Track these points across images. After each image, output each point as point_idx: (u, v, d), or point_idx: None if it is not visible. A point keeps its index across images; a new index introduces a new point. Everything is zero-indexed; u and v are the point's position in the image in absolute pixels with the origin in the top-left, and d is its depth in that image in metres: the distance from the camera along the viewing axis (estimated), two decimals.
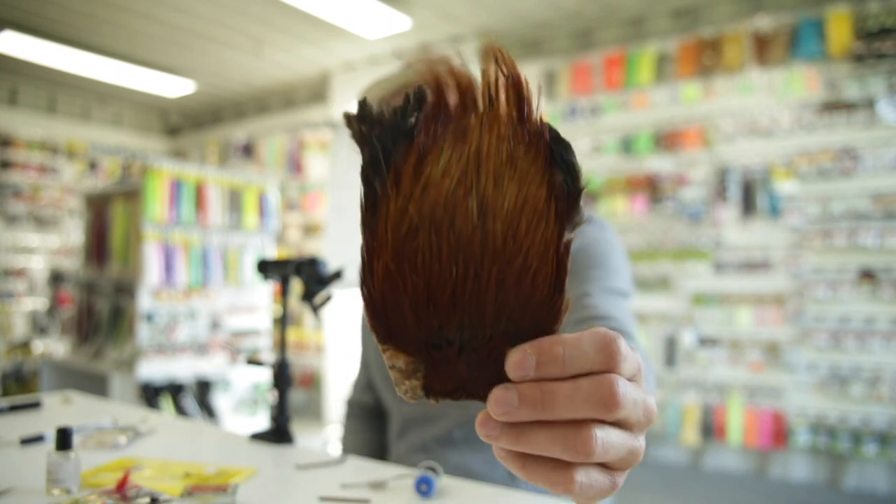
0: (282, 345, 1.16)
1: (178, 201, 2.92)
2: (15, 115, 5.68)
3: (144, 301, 2.80)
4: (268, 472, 0.92)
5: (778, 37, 3.51)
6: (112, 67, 5.04)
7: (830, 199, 3.36)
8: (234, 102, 6.31)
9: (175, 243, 2.91)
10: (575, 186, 0.27)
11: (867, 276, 3.25)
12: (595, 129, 4.11)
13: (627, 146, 3.99)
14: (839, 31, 3.33)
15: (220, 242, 3.12)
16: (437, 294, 0.27)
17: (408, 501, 0.80)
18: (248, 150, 6.15)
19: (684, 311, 3.78)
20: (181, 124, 6.98)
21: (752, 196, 3.59)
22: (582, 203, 0.27)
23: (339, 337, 4.62)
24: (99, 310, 3.06)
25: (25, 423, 1.18)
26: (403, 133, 0.27)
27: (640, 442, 0.29)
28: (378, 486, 0.85)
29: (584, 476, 0.27)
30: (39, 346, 4.18)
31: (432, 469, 0.83)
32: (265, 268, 1.18)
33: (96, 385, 2.72)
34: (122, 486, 0.74)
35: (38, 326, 4.85)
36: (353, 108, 0.27)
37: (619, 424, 0.28)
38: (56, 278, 4.54)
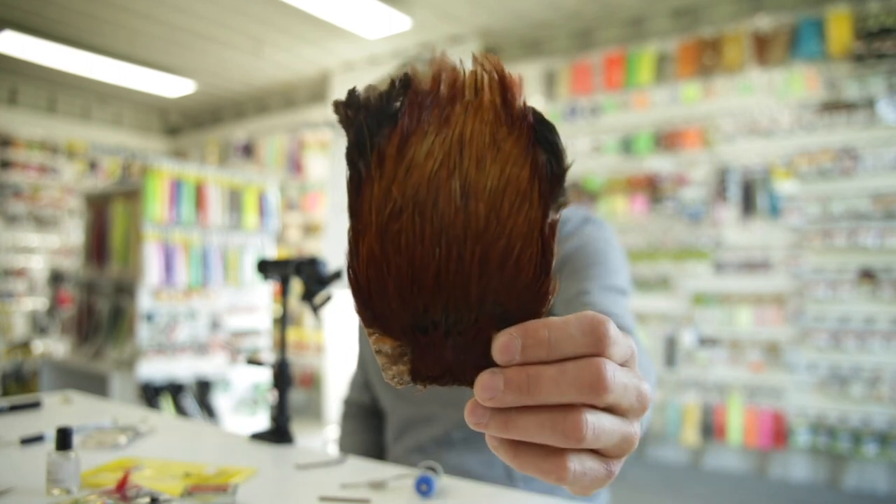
0: (282, 345, 1.16)
1: (178, 201, 2.92)
2: (15, 115, 5.69)
3: (144, 301, 2.80)
4: (268, 472, 0.92)
5: (778, 37, 3.51)
6: (112, 67, 5.04)
7: (830, 199, 3.36)
8: (234, 102, 6.31)
9: (175, 243, 2.92)
10: (559, 167, 0.27)
11: (867, 275, 3.25)
12: (595, 129, 4.11)
13: (627, 146, 3.99)
14: (839, 30, 3.33)
15: (220, 242, 3.12)
16: (421, 275, 0.27)
17: (408, 501, 0.79)
18: (248, 150, 6.15)
19: (684, 311, 3.78)
20: (181, 124, 6.98)
21: (752, 196, 3.59)
22: (567, 184, 0.27)
23: (338, 337, 4.63)
24: (99, 310, 3.07)
25: (25, 423, 1.18)
26: (388, 116, 0.27)
27: (634, 428, 0.28)
28: (378, 486, 0.85)
29: (577, 463, 0.27)
30: (39, 346, 4.18)
31: (432, 469, 0.83)
32: (265, 268, 1.18)
33: (96, 385, 2.73)
34: (122, 486, 0.74)
35: (39, 326, 4.85)
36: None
37: (611, 410, 0.27)
38: (56, 278, 4.54)
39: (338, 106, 0.27)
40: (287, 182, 5.60)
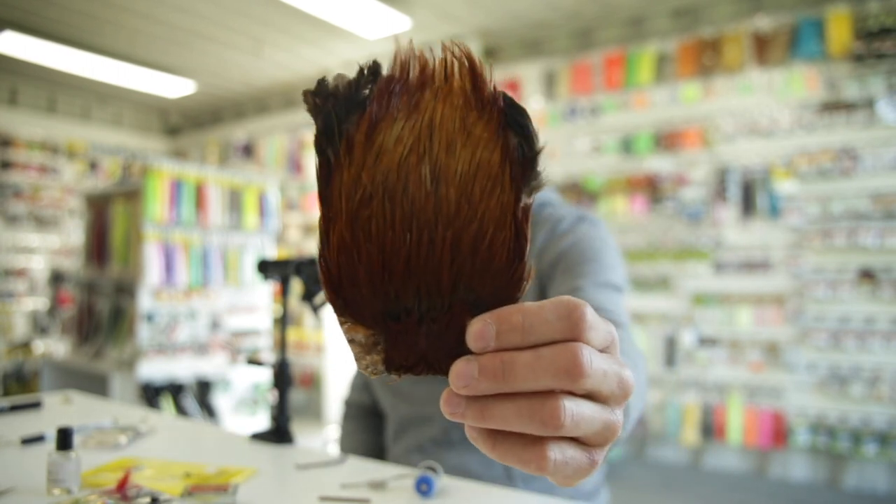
0: (282, 345, 1.16)
1: (179, 201, 2.92)
2: (15, 116, 5.69)
3: (145, 301, 2.81)
4: (268, 472, 0.92)
5: (778, 37, 3.52)
6: (112, 67, 5.05)
7: (830, 199, 3.37)
8: (235, 102, 6.32)
9: (175, 243, 2.92)
10: (530, 150, 0.27)
11: (867, 275, 3.26)
12: (595, 129, 4.11)
13: (627, 146, 3.99)
14: (839, 31, 3.33)
15: (221, 242, 3.13)
16: (392, 261, 0.26)
17: (408, 501, 0.80)
18: (248, 150, 6.16)
19: (684, 311, 3.78)
20: (181, 124, 6.98)
21: (751, 196, 3.59)
22: (539, 167, 0.27)
23: (338, 337, 4.63)
24: (99, 310, 3.07)
25: (26, 423, 1.18)
26: (356, 104, 0.27)
27: (615, 415, 0.28)
28: (378, 486, 0.85)
29: (557, 452, 0.26)
30: (40, 346, 4.19)
31: (432, 469, 0.83)
32: (265, 268, 1.18)
33: (97, 385, 2.73)
34: (122, 486, 0.74)
35: (39, 326, 4.85)
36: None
37: (591, 397, 0.27)
38: (56, 278, 4.54)
39: (306, 95, 0.27)
40: (287, 182, 5.60)
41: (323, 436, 4.04)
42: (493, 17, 4.18)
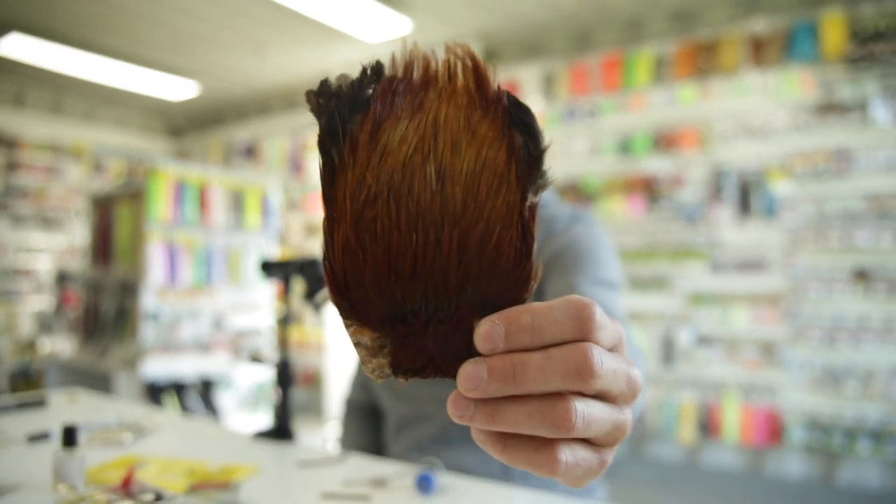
0: (284, 344, 1.17)
1: (182, 202, 2.96)
2: (21, 117, 5.74)
3: (149, 300, 2.84)
4: (270, 469, 0.92)
5: (773, 39, 3.55)
6: (117, 70, 5.09)
7: (825, 199, 3.40)
8: (237, 104, 6.36)
9: (179, 243, 2.96)
10: (536, 148, 0.27)
11: (861, 275, 3.29)
12: (593, 131, 4.14)
13: (625, 147, 4.03)
14: (833, 33, 3.36)
15: (224, 242, 3.16)
16: (398, 262, 0.26)
17: (409, 498, 0.80)
18: (250, 152, 6.20)
19: (681, 310, 3.81)
20: (185, 126, 7.03)
21: (748, 197, 3.62)
22: (545, 166, 0.27)
23: (339, 336, 4.67)
24: (104, 309, 3.11)
25: (32, 421, 1.19)
26: (360, 103, 0.27)
27: (625, 415, 0.28)
28: (379, 483, 0.85)
29: (568, 454, 0.26)
30: (46, 345, 4.23)
31: (433, 465, 0.84)
32: (268, 268, 1.20)
33: (102, 383, 2.75)
34: (127, 483, 0.74)
35: (45, 326, 4.90)
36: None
37: (600, 397, 0.27)
38: (62, 278, 4.59)
39: (309, 95, 0.27)
40: (289, 183, 5.64)
41: (324, 433, 4.09)
42: (492, 20, 4.21)
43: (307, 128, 5.63)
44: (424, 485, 0.81)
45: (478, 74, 0.27)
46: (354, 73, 0.27)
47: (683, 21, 3.98)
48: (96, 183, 5.85)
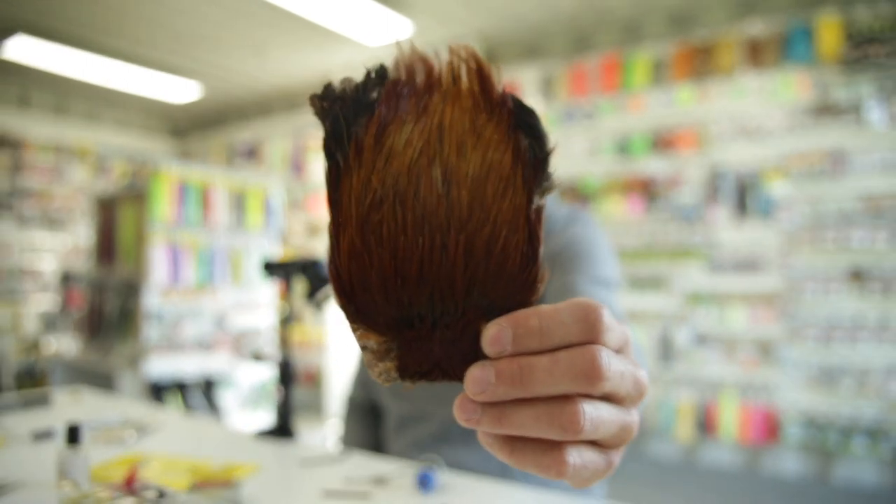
0: (285, 343, 1.19)
1: (185, 202, 2.99)
2: (26, 119, 5.77)
3: (152, 300, 2.86)
4: (272, 467, 0.93)
5: (769, 41, 3.58)
6: (121, 71, 5.13)
7: (821, 200, 3.43)
8: (239, 106, 6.39)
9: (181, 243, 2.99)
10: (541, 150, 0.26)
11: (856, 275, 3.32)
12: (592, 132, 4.17)
13: (623, 148, 4.06)
14: (829, 36, 3.39)
15: (226, 243, 3.19)
16: (405, 267, 0.26)
17: (409, 496, 0.81)
18: (252, 152, 6.24)
19: (679, 309, 3.84)
20: (187, 127, 7.07)
21: (744, 197, 3.65)
22: (550, 168, 0.27)
23: (340, 335, 4.70)
24: (108, 309, 3.14)
25: (37, 419, 1.20)
26: (364, 106, 0.26)
27: (632, 416, 0.28)
28: (380, 481, 0.86)
29: (576, 456, 0.26)
30: (50, 344, 4.27)
31: (433, 463, 0.85)
32: (270, 268, 1.22)
33: (105, 382, 2.77)
34: (130, 481, 0.74)
35: (50, 325, 4.94)
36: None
37: (607, 399, 0.26)
38: (66, 278, 4.62)
39: (313, 99, 0.27)
40: (290, 183, 5.68)
41: (324, 432, 4.12)
42: (492, 21, 4.24)
43: (308, 129, 5.66)
44: (425, 482, 0.81)
45: (482, 76, 0.27)
46: (356, 75, 0.27)
47: (681, 23, 4.01)
48: (100, 184, 5.88)
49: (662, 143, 3.91)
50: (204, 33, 4.47)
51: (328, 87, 0.27)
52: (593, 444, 0.27)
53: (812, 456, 3.43)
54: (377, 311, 0.26)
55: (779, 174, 3.54)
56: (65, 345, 4.18)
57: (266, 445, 1.08)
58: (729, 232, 3.71)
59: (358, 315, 0.27)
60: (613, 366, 0.25)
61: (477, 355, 0.26)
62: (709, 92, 3.76)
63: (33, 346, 4.25)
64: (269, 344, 3.32)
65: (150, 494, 0.71)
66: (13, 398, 1.33)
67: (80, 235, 5.87)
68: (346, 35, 4.34)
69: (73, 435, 0.77)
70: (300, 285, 1.21)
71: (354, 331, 0.27)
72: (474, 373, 0.25)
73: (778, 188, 3.54)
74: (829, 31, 3.39)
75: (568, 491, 0.88)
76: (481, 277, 0.26)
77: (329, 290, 1.16)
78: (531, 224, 0.26)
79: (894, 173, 3.23)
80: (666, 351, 3.84)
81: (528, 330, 0.25)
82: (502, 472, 0.94)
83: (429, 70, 0.27)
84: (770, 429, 3.48)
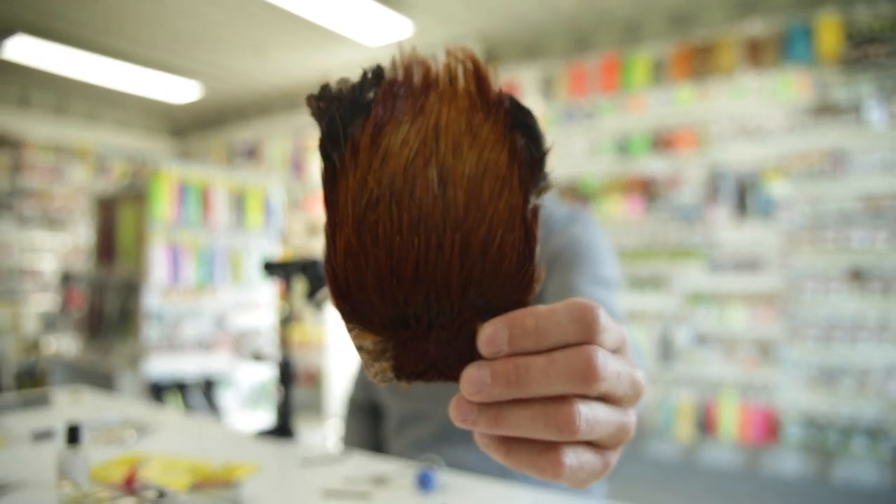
0: (285, 343, 1.19)
1: (185, 202, 2.99)
2: (26, 119, 5.78)
3: (152, 300, 2.87)
4: (272, 467, 0.93)
5: (769, 41, 3.58)
6: (121, 71, 5.13)
7: (821, 200, 3.43)
8: (239, 106, 6.40)
9: (181, 243, 2.99)
10: (538, 150, 0.26)
11: (856, 275, 3.32)
12: (592, 132, 4.17)
13: (623, 148, 4.06)
14: (829, 36, 3.39)
15: (226, 243, 3.20)
16: (401, 266, 0.26)
17: (410, 495, 0.81)
18: (252, 152, 6.24)
19: (679, 309, 3.84)
20: (187, 127, 7.07)
21: (744, 197, 3.65)
22: (547, 168, 0.27)
23: (340, 335, 4.71)
24: (108, 309, 3.14)
25: (37, 419, 1.20)
26: (361, 107, 0.26)
27: (629, 417, 0.28)
28: (380, 480, 0.86)
29: (572, 457, 0.26)
30: (51, 344, 4.27)
31: (433, 463, 0.85)
32: (270, 268, 1.22)
33: (105, 382, 2.77)
34: (129, 481, 0.74)
35: (50, 325, 4.94)
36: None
37: (604, 399, 0.26)
38: (66, 278, 4.62)
39: (310, 99, 0.27)
40: (290, 183, 5.68)
41: (324, 432, 4.12)
42: (492, 21, 4.25)
43: (309, 129, 5.66)
44: (425, 482, 0.82)
45: (479, 77, 0.27)
46: (356, 75, 0.27)
47: (681, 23, 4.01)
48: (100, 184, 5.89)
49: (662, 142, 3.91)
50: (204, 33, 4.47)
51: (325, 88, 0.27)
52: (590, 444, 0.27)
53: (812, 456, 3.43)
54: (373, 311, 0.26)
55: (779, 174, 3.54)
56: (65, 345, 4.19)
57: (266, 445, 1.08)
58: (729, 232, 3.71)
59: (354, 315, 0.27)
60: (610, 366, 0.25)
61: (473, 355, 0.26)
62: (709, 92, 3.76)
63: (33, 346, 4.25)
64: (269, 344, 3.32)
65: (150, 494, 0.71)
66: (13, 398, 1.33)
67: (80, 235, 5.87)
68: (346, 35, 4.34)
69: (73, 435, 0.77)
70: (300, 285, 1.21)
71: (350, 331, 0.27)
72: (470, 373, 0.25)
73: (778, 188, 3.54)
74: (829, 31, 3.39)
75: (568, 491, 0.88)
76: (477, 277, 0.26)
77: (328, 290, 1.15)
78: (527, 224, 0.26)
79: (894, 173, 3.24)
80: (666, 351, 3.85)
81: (525, 330, 0.25)
82: (502, 472, 0.94)
83: (426, 70, 0.27)
84: (770, 429, 3.48)
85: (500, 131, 0.26)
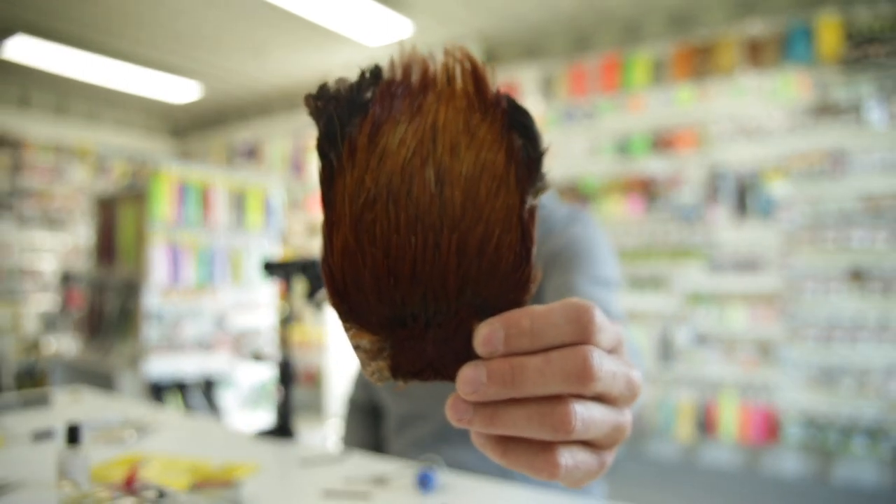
0: (285, 343, 1.19)
1: (185, 202, 2.99)
2: (26, 119, 5.78)
3: (152, 300, 2.87)
4: (272, 467, 0.93)
5: (769, 41, 3.58)
6: (121, 71, 5.13)
7: (821, 200, 3.43)
8: (239, 106, 6.40)
9: (181, 243, 2.99)
10: (535, 151, 0.26)
11: (856, 275, 3.32)
12: (592, 132, 4.17)
13: (623, 148, 4.06)
14: (829, 36, 3.39)
15: (226, 243, 3.20)
16: (398, 266, 0.26)
17: (409, 495, 0.81)
18: (252, 152, 6.24)
19: (679, 309, 3.84)
20: (187, 127, 7.07)
21: (744, 197, 3.65)
22: (544, 168, 0.27)
23: (340, 335, 4.70)
24: (108, 309, 3.14)
25: (37, 419, 1.20)
26: (359, 106, 0.26)
27: (624, 417, 0.28)
28: (380, 480, 0.86)
29: (568, 457, 0.26)
30: (51, 344, 4.27)
31: (433, 463, 0.85)
32: (270, 268, 1.22)
33: (105, 382, 2.77)
34: (129, 481, 0.74)
35: (50, 325, 4.94)
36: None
37: (600, 399, 0.27)
38: (66, 278, 4.63)
39: (308, 99, 0.27)
40: (290, 183, 5.68)
41: (324, 432, 4.13)
42: (491, 21, 4.25)
43: (308, 129, 5.66)
44: (425, 482, 0.82)
45: (476, 77, 0.27)
46: (354, 75, 0.27)
47: (681, 23, 4.01)
48: (100, 184, 5.89)
49: (662, 142, 3.91)
50: (204, 33, 4.47)
51: (323, 87, 0.27)
52: (586, 444, 0.27)
53: (812, 456, 3.43)
54: (370, 311, 0.26)
55: (779, 174, 3.54)
56: (65, 345, 4.19)
57: (266, 445, 1.08)
58: (729, 232, 3.71)
59: (351, 314, 0.27)
60: (605, 366, 0.25)
61: (469, 355, 0.26)
62: (709, 92, 3.76)
63: (33, 346, 4.25)
64: (269, 344, 3.32)
65: (150, 494, 0.71)
66: (13, 398, 1.33)
67: (80, 235, 5.87)
68: (346, 35, 4.34)
69: (73, 435, 0.77)
70: (300, 285, 1.21)
71: (347, 330, 0.27)
72: (466, 373, 0.25)
73: (778, 188, 3.54)
74: (829, 31, 3.39)
75: (568, 491, 0.88)
76: (474, 276, 0.26)
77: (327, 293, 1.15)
78: (524, 224, 0.26)
79: (894, 173, 3.24)
80: (666, 351, 3.85)
81: (520, 330, 0.25)
82: (502, 473, 0.94)
83: (423, 70, 0.27)
84: (770, 429, 3.48)
85: (498, 131, 0.26)
